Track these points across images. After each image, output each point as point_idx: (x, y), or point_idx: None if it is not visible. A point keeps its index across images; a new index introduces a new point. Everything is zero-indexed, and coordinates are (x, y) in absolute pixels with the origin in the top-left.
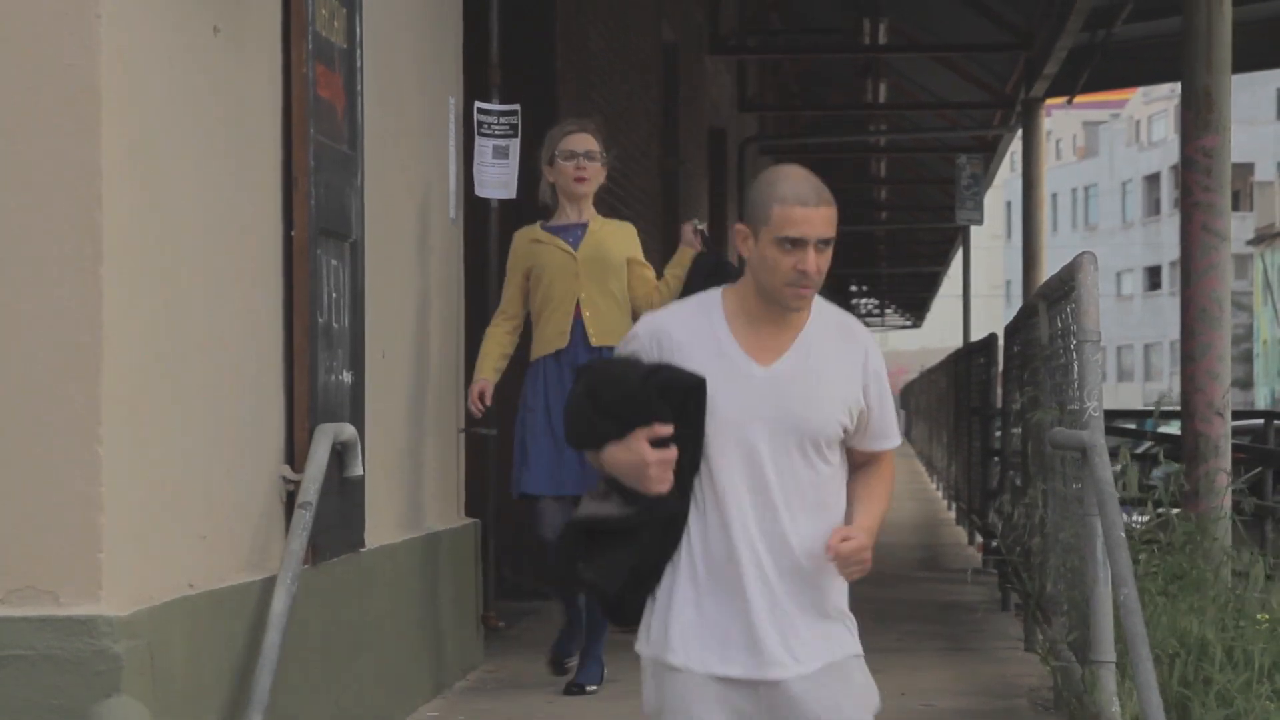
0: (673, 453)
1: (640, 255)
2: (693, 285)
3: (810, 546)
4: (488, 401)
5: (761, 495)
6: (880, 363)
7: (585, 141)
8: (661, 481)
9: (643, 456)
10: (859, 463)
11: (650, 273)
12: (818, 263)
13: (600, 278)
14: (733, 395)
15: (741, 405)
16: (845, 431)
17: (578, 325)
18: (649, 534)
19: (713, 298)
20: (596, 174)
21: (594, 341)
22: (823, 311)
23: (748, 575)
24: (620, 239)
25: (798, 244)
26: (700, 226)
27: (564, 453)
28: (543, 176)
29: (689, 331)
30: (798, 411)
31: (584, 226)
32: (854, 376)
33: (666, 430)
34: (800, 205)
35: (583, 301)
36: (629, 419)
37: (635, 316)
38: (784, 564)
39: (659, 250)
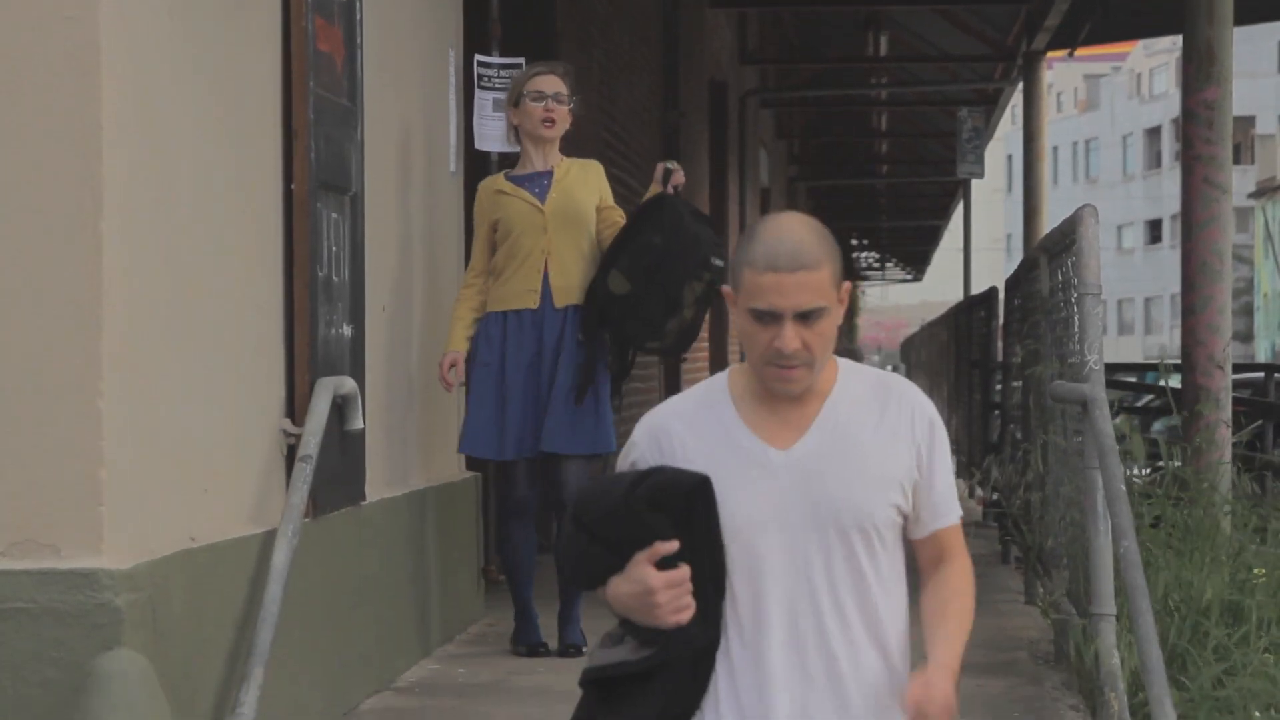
0: (683, 572)
1: (609, 198)
2: (630, 222)
3: (870, 677)
4: (460, 376)
5: (798, 611)
6: (934, 423)
7: (554, 83)
8: (675, 610)
9: (645, 583)
10: (925, 561)
11: (618, 215)
12: (802, 337)
13: (569, 232)
14: (748, 491)
15: (761, 502)
16: (901, 514)
17: (545, 285)
18: (674, 676)
19: (719, 381)
20: (564, 118)
21: (557, 302)
22: (852, 374)
23: (786, 714)
24: (588, 184)
25: (770, 317)
26: (671, 166)
27: (509, 416)
28: (506, 120)
29: (690, 422)
30: (835, 497)
31: (549, 175)
32: (901, 445)
33: (669, 547)
34: (771, 270)
35: (550, 259)
36: (624, 542)
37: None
38: (832, 695)
39: None
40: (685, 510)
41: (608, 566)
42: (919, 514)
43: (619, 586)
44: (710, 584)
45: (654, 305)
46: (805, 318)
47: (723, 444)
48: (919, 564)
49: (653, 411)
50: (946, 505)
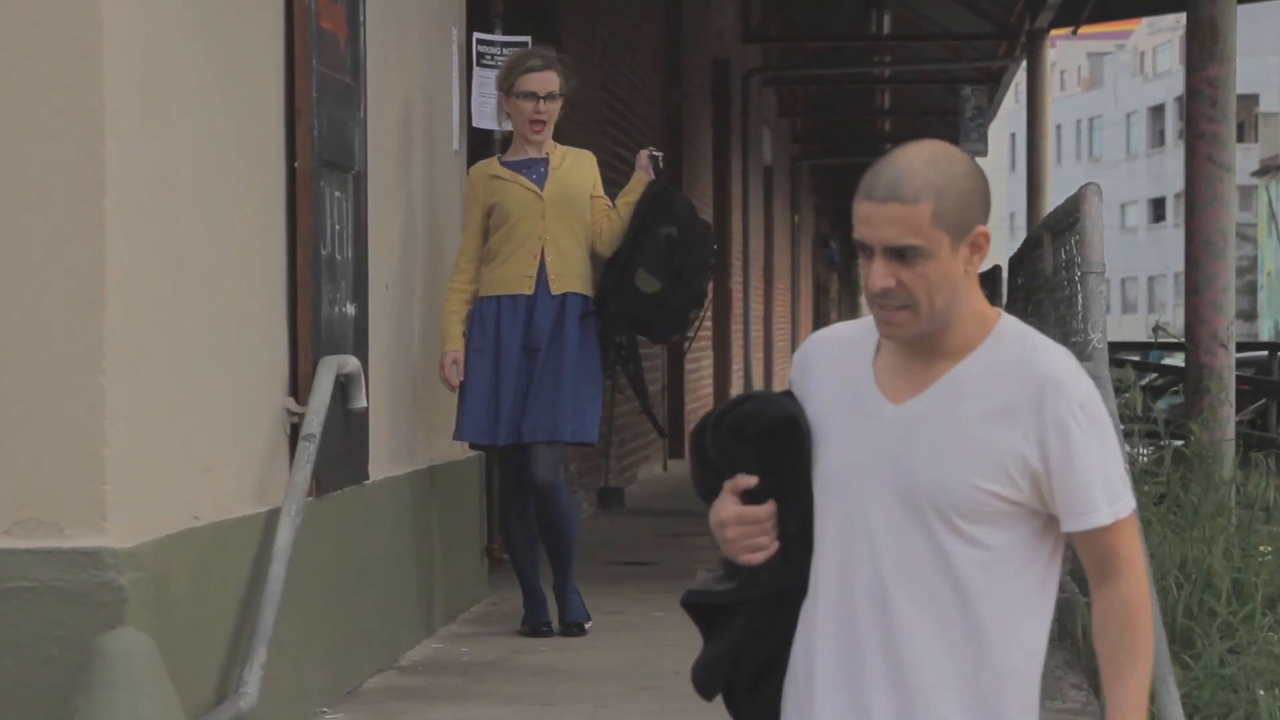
0: (757, 511)
1: (600, 187)
2: (638, 214)
3: (934, 673)
4: (461, 375)
5: (858, 581)
6: (1076, 405)
7: (546, 82)
8: (746, 549)
9: (718, 515)
10: (1086, 563)
11: (605, 204)
12: (897, 275)
13: (567, 219)
14: (849, 441)
15: (856, 455)
16: (1007, 503)
17: (541, 270)
18: (755, 616)
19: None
20: (554, 113)
21: (553, 289)
22: (1004, 338)
23: (821, 692)
24: (582, 172)
25: (864, 249)
26: (656, 153)
27: (502, 401)
28: (498, 102)
29: (831, 356)
30: (917, 467)
31: (545, 162)
32: (1017, 426)
33: (747, 482)
34: (866, 198)
35: (547, 245)
36: (721, 468)
37: (591, 251)
38: (890, 679)
39: None
40: (772, 445)
41: (713, 488)
42: (1058, 509)
43: (711, 512)
44: (795, 529)
45: (683, 301)
46: (899, 255)
47: (845, 386)
48: (1082, 563)
49: (819, 332)
50: (1091, 502)
